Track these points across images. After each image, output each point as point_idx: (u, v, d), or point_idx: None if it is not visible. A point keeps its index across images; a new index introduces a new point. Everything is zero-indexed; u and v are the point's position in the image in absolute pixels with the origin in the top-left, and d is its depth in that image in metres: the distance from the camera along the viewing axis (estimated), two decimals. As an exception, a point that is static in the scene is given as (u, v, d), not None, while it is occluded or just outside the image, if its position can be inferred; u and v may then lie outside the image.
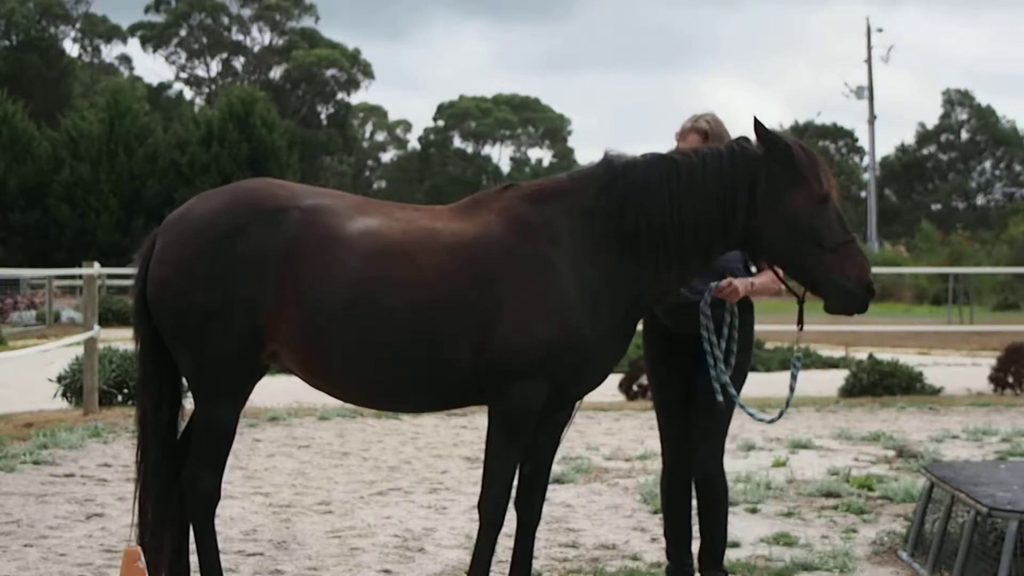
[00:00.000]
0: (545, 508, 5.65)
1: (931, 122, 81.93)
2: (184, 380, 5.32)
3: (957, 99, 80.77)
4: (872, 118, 67.78)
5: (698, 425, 5.82)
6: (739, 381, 5.80)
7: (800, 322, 5.41)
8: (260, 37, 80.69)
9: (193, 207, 5.22)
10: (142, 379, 5.40)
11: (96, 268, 13.61)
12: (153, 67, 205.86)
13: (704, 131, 5.65)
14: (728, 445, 10.67)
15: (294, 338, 5.02)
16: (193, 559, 5.34)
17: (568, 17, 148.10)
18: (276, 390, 12.87)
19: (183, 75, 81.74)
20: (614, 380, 14.68)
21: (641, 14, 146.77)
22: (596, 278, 5.03)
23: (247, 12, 79.20)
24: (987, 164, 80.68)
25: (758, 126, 5.04)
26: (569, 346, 4.97)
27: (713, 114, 5.76)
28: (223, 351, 5.03)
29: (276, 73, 79.64)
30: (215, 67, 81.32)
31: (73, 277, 33.24)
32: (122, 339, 14.72)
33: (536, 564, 6.17)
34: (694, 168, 5.07)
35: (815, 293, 5.15)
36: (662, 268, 5.07)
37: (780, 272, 5.40)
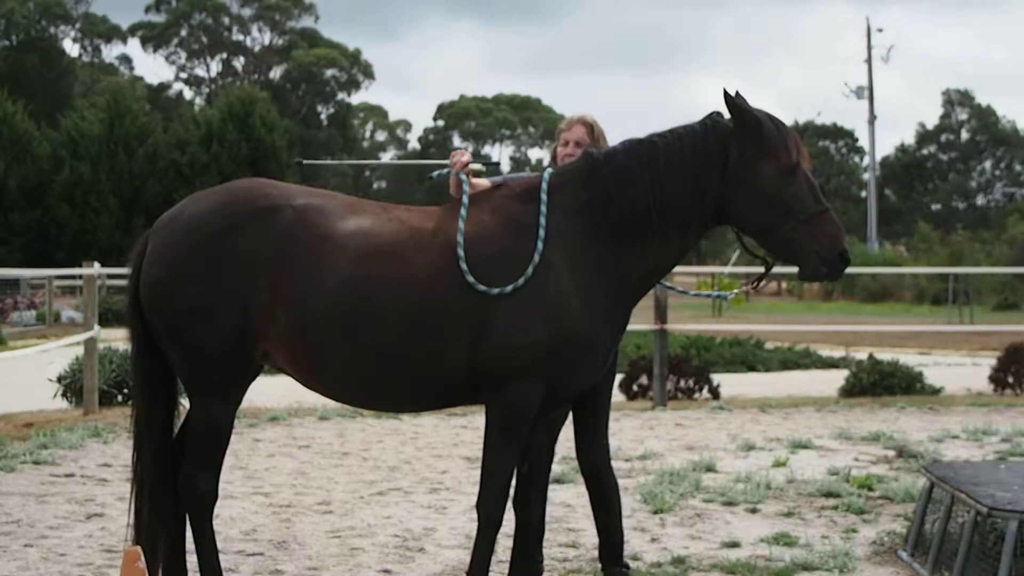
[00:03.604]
0: (549, 509, 5.65)
1: (930, 123, 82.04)
2: (179, 380, 5.32)
3: (957, 99, 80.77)
4: (872, 118, 67.81)
5: (584, 419, 5.84)
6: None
7: (756, 284, 5.75)
8: (260, 37, 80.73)
9: (185, 208, 5.23)
10: (137, 380, 5.41)
11: (96, 268, 13.60)
12: (153, 67, 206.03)
13: (590, 123, 5.90)
14: (728, 445, 10.81)
15: (286, 337, 5.03)
16: (192, 559, 5.35)
17: (556, 18, 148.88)
18: (276, 390, 12.88)
19: (183, 75, 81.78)
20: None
21: (631, 15, 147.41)
22: (589, 272, 5.05)
23: (247, 12, 79.20)
24: (987, 164, 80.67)
25: (728, 98, 5.06)
26: (566, 344, 4.98)
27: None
28: (216, 350, 5.04)
29: (276, 73, 79.65)
30: (215, 67, 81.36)
31: (73, 277, 33.25)
32: (122, 339, 14.68)
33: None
34: (672, 148, 5.11)
35: (790, 262, 5.16)
36: (648, 249, 5.10)
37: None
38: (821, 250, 5.00)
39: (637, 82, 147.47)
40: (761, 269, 5.70)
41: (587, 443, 5.89)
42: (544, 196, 5.13)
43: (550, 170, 5.36)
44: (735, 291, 6.14)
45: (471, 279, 4.93)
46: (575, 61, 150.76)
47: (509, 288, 4.93)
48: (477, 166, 5.49)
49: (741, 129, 5.05)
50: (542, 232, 5.03)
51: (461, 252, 4.97)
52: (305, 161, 6.84)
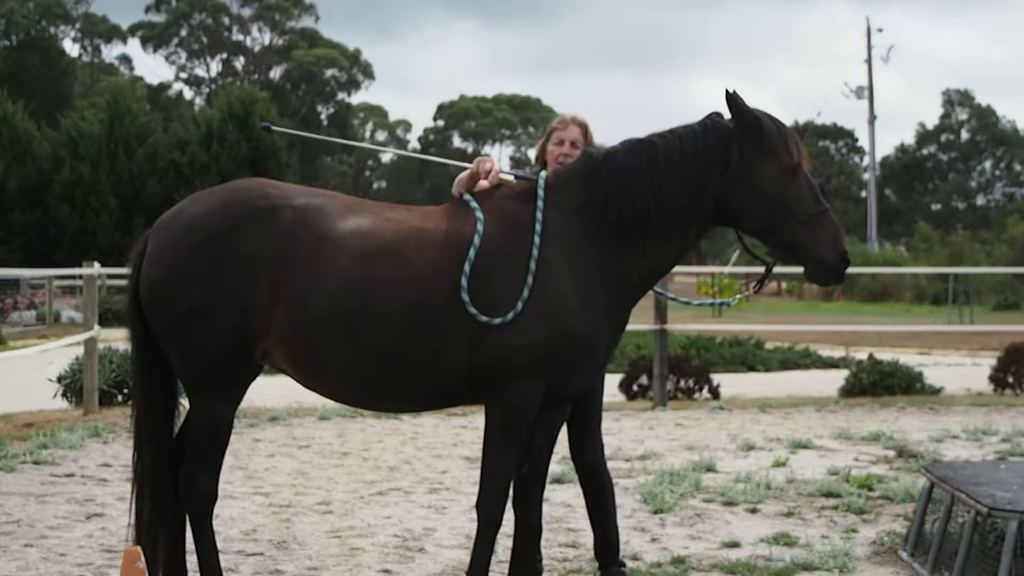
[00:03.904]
0: (545, 508, 5.65)
1: (930, 123, 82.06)
2: (179, 380, 5.32)
3: (957, 99, 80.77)
4: (872, 118, 67.82)
5: (578, 420, 5.84)
6: None
7: (759, 286, 5.63)
8: (260, 37, 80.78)
9: (185, 208, 5.23)
10: (137, 380, 5.41)
11: (96, 268, 13.60)
12: (153, 67, 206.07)
13: (584, 124, 5.90)
14: (728, 445, 10.80)
15: (286, 337, 5.02)
16: (192, 559, 5.35)
17: (556, 18, 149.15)
18: (276, 390, 12.88)
19: (183, 75, 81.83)
20: (614, 380, 14.68)
21: (631, 15, 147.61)
22: (588, 272, 5.04)
23: (247, 12, 79.24)
24: (987, 164, 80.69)
25: (729, 98, 5.05)
26: (566, 344, 4.98)
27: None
28: (216, 350, 5.04)
29: (276, 73, 79.67)
30: (215, 67, 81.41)
31: (73, 277, 33.25)
32: (122, 339, 14.69)
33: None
34: (672, 148, 5.10)
35: (793, 263, 5.17)
36: (648, 249, 5.10)
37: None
38: (822, 251, 5.01)
39: (637, 82, 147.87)
40: (761, 269, 5.70)
41: (582, 443, 5.89)
42: (541, 193, 5.13)
43: (544, 172, 5.35)
44: (737, 296, 6.12)
45: (484, 319, 4.90)
46: (575, 61, 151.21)
47: (519, 306, 4.91)
48: (508, 177, 5.45)
49: (742, 129, 5.05)
50: (538, 227, 5.03)
51: (465, 282, 4.93)
52: (272, 128, 6.79)
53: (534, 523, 5.53)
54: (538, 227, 5.03)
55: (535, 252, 4.98)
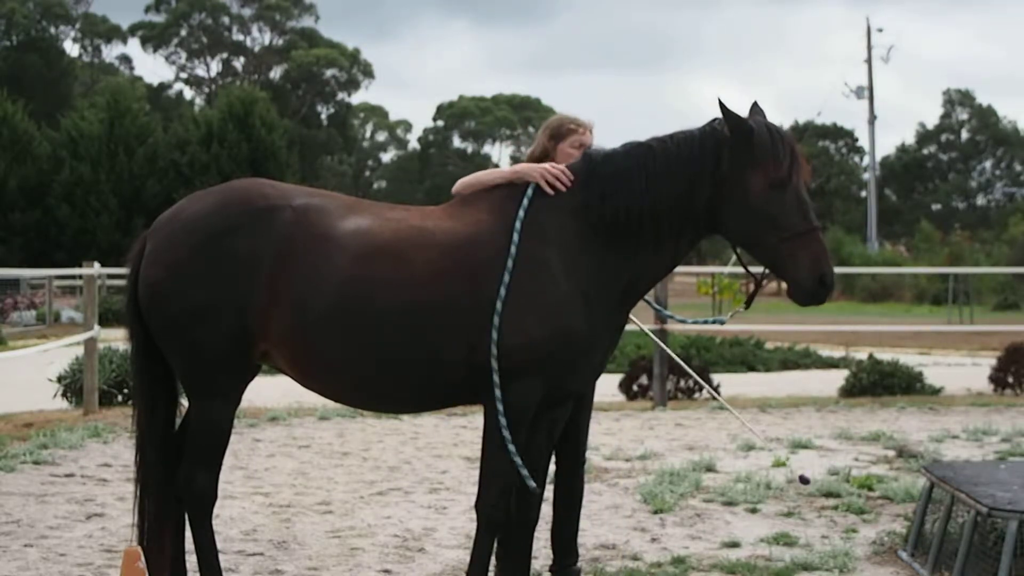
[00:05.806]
0: (545, 508, 5.65)
1: (930, 123, 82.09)
2: (178, 380, 5.32)
3: (957, 99, 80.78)
4: (872, 118, 67.82)
5: (577, 416, 5.86)
6: None
7: (748, 303, 5.55)
8: (260, 37, 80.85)
9: (183, 208, 5.22)
10: (137, 381, 5.40)
11: (96, 268, 13.60)
12: (153, 67, 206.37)
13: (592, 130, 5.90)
14: (728, 445, 10.81)
15: (285, 338, 5.02)
16: (192, 559, 5.35)
17: (552, 18, 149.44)
18: (276, 390, 12.89)
19: (183, 75, 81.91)
20: (614, 380, 14.69)
21: (630, 15, 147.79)
22: (586, 273, 5.03)
23: (247, 12, 79.31)
24: (987, 164, 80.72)
25: (722, 107, 5.02)
26: (564, 344, 4.97)
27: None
28: (214, 351, 5.03)
29: (276, 73, 79.70)
30: (215, 67, 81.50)
31: (73, 277, 33.28)
32: (122, 339, 14.68)
33: (536, 564, 6.16)
34: (668, 153, 5.08)
35: (775, 278, 5.14)
36: (644, 251, 5.07)
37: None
38: (800, 272, 4.91)
39: (635, 82, 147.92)
40: (761, 268, 5.68)
41: (567, 439, 5.89)
42: (530, 192, 5.12)
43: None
44: (731, 314, 6.10)
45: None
46: (571, 61, 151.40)
47: (499, 306, 4.90)
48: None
49: (734, 138, 5.00)
50: (519, 224, 5.02)
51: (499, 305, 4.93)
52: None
53: (533, 523, 5.53)
54: (518, 224, 5.02)
55: (513, 250, 4.96)
